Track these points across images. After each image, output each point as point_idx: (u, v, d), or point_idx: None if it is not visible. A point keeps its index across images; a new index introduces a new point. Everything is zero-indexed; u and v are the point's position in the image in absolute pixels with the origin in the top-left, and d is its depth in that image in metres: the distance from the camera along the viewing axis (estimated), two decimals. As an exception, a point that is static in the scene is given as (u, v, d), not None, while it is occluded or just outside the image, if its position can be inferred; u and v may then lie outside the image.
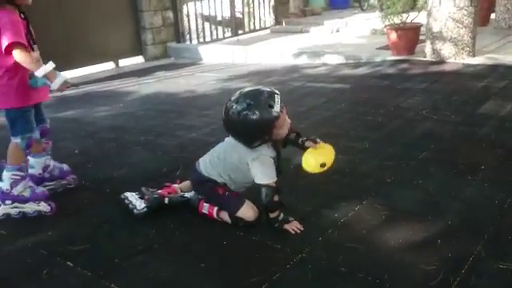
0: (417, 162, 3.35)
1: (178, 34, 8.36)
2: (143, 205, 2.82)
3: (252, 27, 10.31)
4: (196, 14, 8.81)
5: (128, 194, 2.93)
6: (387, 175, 3.15)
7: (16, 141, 2.90)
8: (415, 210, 2.71)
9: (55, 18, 6.61)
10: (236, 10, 9.81)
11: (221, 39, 9.33)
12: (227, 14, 9.66)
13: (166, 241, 2.55)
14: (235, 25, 9.73)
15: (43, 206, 2.94)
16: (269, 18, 10.62)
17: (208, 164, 2.76)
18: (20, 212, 2.92)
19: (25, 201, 2.94)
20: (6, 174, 2.94)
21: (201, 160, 2.83)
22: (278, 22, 10.71)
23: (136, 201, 2.86)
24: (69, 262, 2.38)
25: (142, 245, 2.52)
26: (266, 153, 2.61)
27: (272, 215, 2.60)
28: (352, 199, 2.85)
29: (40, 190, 3.02)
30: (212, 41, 9.09)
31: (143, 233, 2.63)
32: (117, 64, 7.61)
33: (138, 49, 7.94)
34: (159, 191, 2.91)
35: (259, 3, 10.35)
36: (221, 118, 2.61)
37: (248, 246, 2.48)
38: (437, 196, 2.85)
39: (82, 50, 6.96)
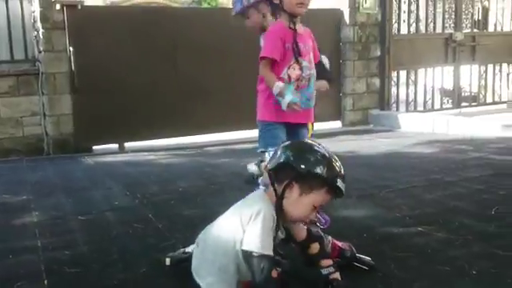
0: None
1: (383, 101, 8.00)
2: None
3: (482, 100, 9.27)
4: (408, 82, 8.33)
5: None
6: None
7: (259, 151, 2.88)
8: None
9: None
10: (462, 81, 8.96)
11: (437, 109, 8.60)
12: (450, 84, 8.90)
13: None
14: (458, 96, 8.88)
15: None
16: (506, 92, 9.42)
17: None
18: None
19: None
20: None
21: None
22: (519, 95, 9.42)
23: None
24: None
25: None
26: (270, 212, 1.95)
27: None
28: None
29: None
30: (425, 110, 8.44)
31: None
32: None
33: (336, 114, 7.85)
34: None
35: (494, 74, 9.28)
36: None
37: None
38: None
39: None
